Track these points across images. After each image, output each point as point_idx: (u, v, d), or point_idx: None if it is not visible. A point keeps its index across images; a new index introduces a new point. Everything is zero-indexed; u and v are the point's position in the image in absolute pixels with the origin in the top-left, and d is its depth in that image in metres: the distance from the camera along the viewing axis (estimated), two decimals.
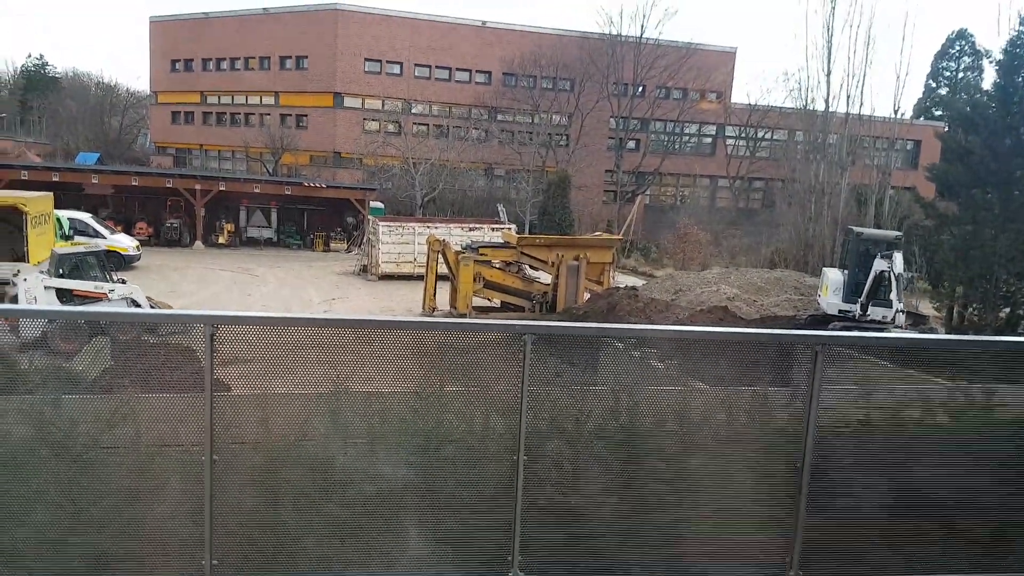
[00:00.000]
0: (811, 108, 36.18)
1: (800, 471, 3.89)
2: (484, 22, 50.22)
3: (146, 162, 54.46)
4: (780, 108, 46.13)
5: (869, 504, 4.02)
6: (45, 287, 16.19)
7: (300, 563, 3.67)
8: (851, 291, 18.54)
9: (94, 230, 27.61)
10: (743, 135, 54.07)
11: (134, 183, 35.67)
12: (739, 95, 55.24)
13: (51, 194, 23.65)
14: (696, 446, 4.06)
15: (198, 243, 35.45)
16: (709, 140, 55.54)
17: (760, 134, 53.43)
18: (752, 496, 4.02)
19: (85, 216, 28.32)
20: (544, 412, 3.95)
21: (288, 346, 3.67)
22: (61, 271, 17.06)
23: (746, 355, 4.21)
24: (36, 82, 76.72)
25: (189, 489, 3.57)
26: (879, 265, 17.92)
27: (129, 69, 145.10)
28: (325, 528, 3.70)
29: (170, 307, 18.66)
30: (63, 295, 16.53)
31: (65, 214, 25.81)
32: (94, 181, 35.16)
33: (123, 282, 18.49)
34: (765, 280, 26.51)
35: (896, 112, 34.54)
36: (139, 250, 28.80)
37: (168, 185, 35.62)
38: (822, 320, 18.98)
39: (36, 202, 21.55)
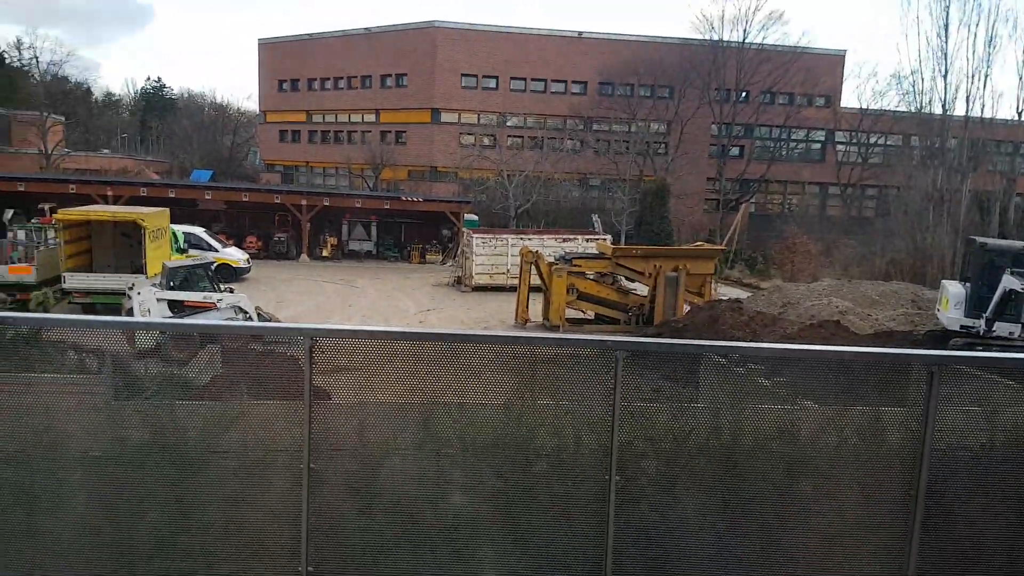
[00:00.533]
0: (927, 112, 34.14)
1: (915, 498, 3.65)
2: (580, 33, 50.23)
3: (256, 179, 57.48)
4: (893, 112, 43.83)
5: (991, 535, 3.71)
6: (157, 299, 16.96)
7: (393, 572, 3.71)
8: (974, 305, 17.25)
9: (207, 244, 29.03)
10: (854, 140, 51.58)
11: (244, 199, 37.54)
12: (849, 99, 52.70)
13: (167, 210, 24.93)
14: (803, 468, 3.87)
15: (304, 256, 36.97)
16: (818, 146, 53.30)
17: (872, 139, 50.84)
18: (862, 523, 3.80)
19: (199, 230, 29.85)
20: (639, 429, 3.85)
21: (383, 358, 3.73)
22: (172, 283, 17.90)
23: (857, 375, 3.97)
24: (154, 104, 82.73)
25: (287, 496, 3.67)
26: (1009, 283, 16.60)
27: (240, 90, 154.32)
28: (417, 538, 3.73)
29: (277, 319, 19.39)
30: (175, 306, 17.36)
31: (180, 228, 27.29)
32: (207, 197, 37.13)
33: (231, 291, 19.23)
34: (879, 293, 25.04)
35: (1020, 114, 32.08)
36: (249, 263, 30.17)
37: (276, 201, 37.32)
38: (941, 336, 17.75)
39: (154, 217, 22.77)
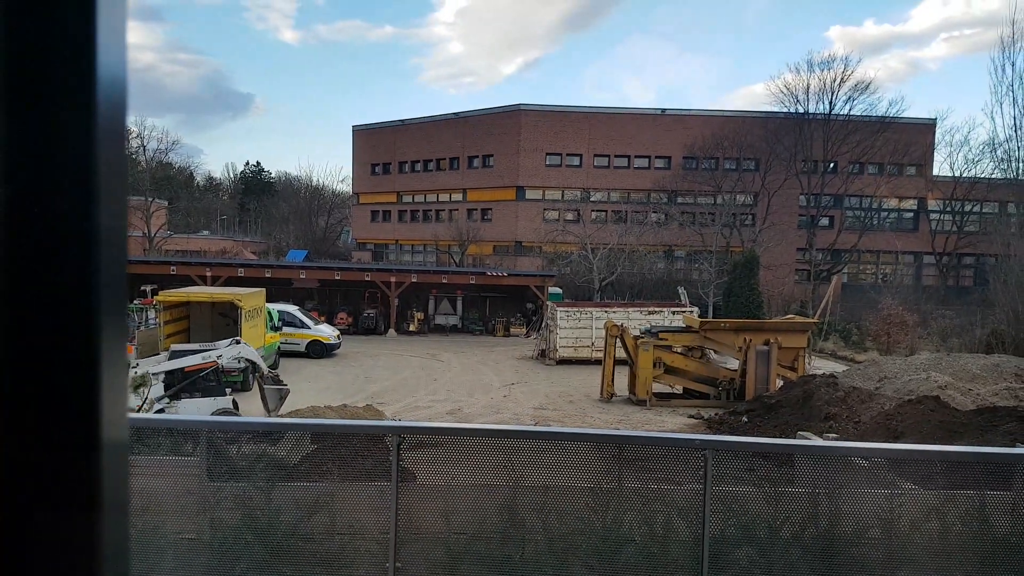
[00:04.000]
0: (1023, 178, 32.55)
1: None
2: (663, 110, 50.93)
3: (348, 257, 59.84)
4: (988, 179, 41.92)
5: None
6: (153, 373, 16.63)
7: None
8: None
9: (300, 321, 29.84)
10: (948, 209, 49.56)
11: (337, 277, 38.83)
12: (941, 167, 50.97)
13: (263, 290, 25.93)
14: (905, 558, 3.59)
15: (391, 331, 37.81)
16: (910, 215, 51.48)
17: (967, 207, 48.67)
18: None
19: (292, 308, 30.74)
20: (731, 519, 3.69)
21: (466, 452, 3.75)
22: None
23: (958, 472, 3.75)
24: (253, 187, 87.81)
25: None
26: None
27: (335, 172, 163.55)
28: None
29: (284, 385, 18.65)
30: (174, 376, 17.11)
31: (276, 307, 28.21)
32: (301, 276, 38.59)
33: (237, 342, 18.82)
34: (981, 367, 23.45)
35: None
36: (339, 339, 30.83)
37: (366, 278, 38.48)
38: None
39: (250, 297, 23.71)
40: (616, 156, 50.32)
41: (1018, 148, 32.51)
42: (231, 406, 17.08)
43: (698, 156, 47.83)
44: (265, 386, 17.71)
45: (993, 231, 39.89)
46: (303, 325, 29.84)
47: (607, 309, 30.81)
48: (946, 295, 43.91)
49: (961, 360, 24.91)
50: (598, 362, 24.47)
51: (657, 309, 31.09)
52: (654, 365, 22.33)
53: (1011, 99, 32.94)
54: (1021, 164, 32.61)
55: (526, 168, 49.73)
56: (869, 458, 4.05)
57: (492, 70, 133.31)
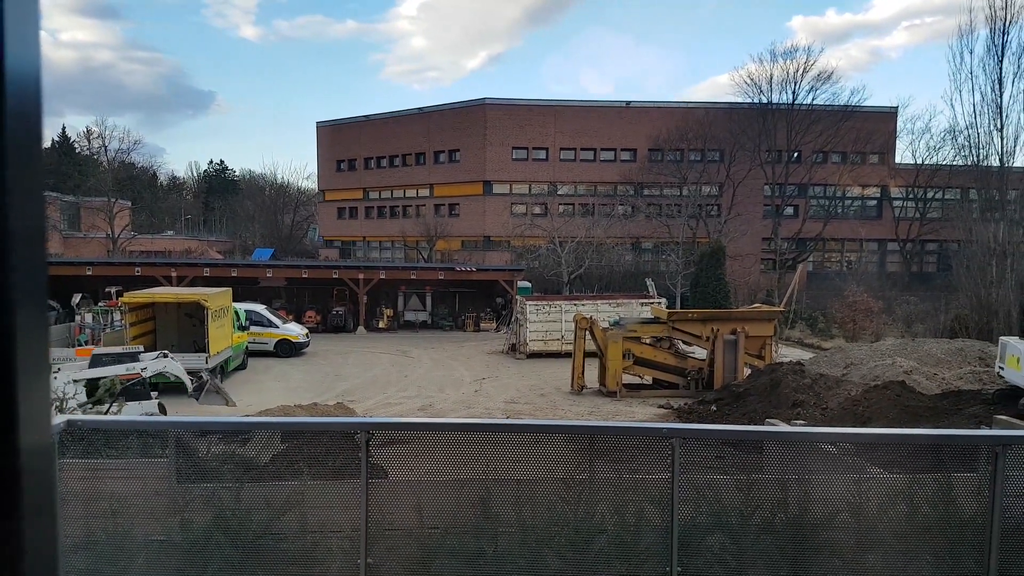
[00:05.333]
0: (984, 165, 33.45)
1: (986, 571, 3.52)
2: (628, 103, 51.20)
3: (315, 255, 59.30)
4: (949, 166, 42.98)
5: None
6: (74, 380, 16.12)
7: None
8: None
9: (267, 320, 29.57)
10: (911, 196, 50.68)
11: (304, 275, 38.55)
12: (903, 155, 52.13)
13: (230, 289, 25.58)
14: (874, 541, 3.68)
15: (360, 328, 37.58)
16: (874, 203, 52.52)
17: (929, 194, 49.83)
18: None
19: (260, 307, 30.42)
20: (702, 506, 3.73)
21: (438, 446, 3.74)
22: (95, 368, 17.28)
23: (924, 455, 3.90)
24: (217, 185, 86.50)
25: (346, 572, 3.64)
26: None
27: (300, 169, 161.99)
28: None
29: (222, 390, 18.37)
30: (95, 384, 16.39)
31: (242, 306, 27.93)
32: (268, 275, 38.17)
33: (165, 355, 18.42)
34: (945, 351, 24.06)
35: None
36: (308, 337, 30.56)
37: (334, 276, 38.16)
38: (1011, 395, 16.85)
39: (216, 297, 23.34)
40: (582, 149, 50.51)
41: (978, 135, 33.29)
42: (157, 410, 16.72)
43: (663, 148, 48.23)
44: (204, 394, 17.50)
45: (955, 217, 40.81)
46: (271, 324, 29.58)
47: (576, 302, 30.94)
48: (910, 281, 44.92)
49: (926, 345, 25.53)
50: (568, 355, 24.58)
51: (625, 301, 31.31)
52: (623, 356, 22.50)
53: (970, 86, 33.74)
54: (981, 151, 33.42)
55: (493, 162, 49.68)
56: (837, 443, 4.13)
57: (456, 65, 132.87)
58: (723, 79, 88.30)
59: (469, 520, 3.76)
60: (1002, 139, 32.31)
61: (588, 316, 24.21)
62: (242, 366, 26.22)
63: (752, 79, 48.76)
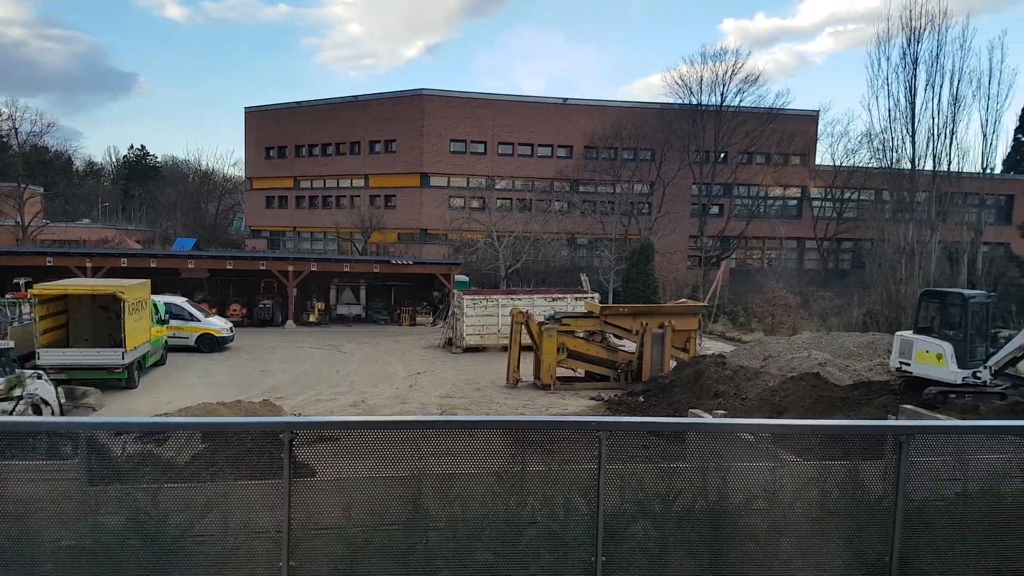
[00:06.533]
0: (896, 168, 35.25)
1: (889, 565, 3.74)
2: (565, 99, 51.66)
3: (241, 245, 57.59)
4: (865, 168, 45.07)
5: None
6: None
7: None
8: (967, 357, 17.33)
9: (189, 314, 28.57)
10: (829, 197, 52.94)
11: (229, 266, 37.22)
12: (823, 157, 54.39)
13: (148, 281, 24.47)
14: (788, 525, 3.87)
15: (290, 322, 36.74)
16: (794, 202, 54.66)
17: (846, 195, 52.16)
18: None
19: (180, 300, 29.35)
20: (628, 494, 3.83)
21: (368, 444, 3.71)
22: None
23: (836, 444, 4.12)
24: (137, 172, 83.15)
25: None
26: None
27: (226, 156, 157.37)
28: None
29: (94, 408, 17.46)
30: None
31: (162, 299, 26.76)
32: (190, 266, 36.78)
33: (39, 376, 16.99)
34: (857, 344, 25.31)
35: (985, 168, 33.25)
36: (232, 331, 29.69)
37: (261, 267, 37.16)
38: (916, 385, 17.81)
39: (133, 289, 22.29)
40: (520, 144, 50.72)
41: (891, 139, 35.00)
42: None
43: (598, 146, 48.92)
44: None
45: (869, 217, 42.85)
46: (192, 318, 28.66)
47: (513, 296, 31.11)
48: (826, 278, 46.92)
49: (839, 338, 26.75)
50: (505, 349, 24.71)
51: (561, 296, 31.67)
52: (558, 350, 22.78)
53: (886, 92, 35.27)
54: (894, 154, 35.18)
55: (430, 154, 49.33)
56: (755, 433, 4.27)
57: (393, 53, 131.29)
58: (656, 79, 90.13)
59: (399, 517, 3.75)
60: (913, 144, 34.07)
61: (524, 310, 24.41)
62: (161, 362, 25.30)
63: (683, 80, 50.00)
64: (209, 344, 28.34)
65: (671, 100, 50.51)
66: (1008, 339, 17.85)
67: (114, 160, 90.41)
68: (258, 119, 57.64)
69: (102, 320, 22.97)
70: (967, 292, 19.31)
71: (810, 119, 53.27)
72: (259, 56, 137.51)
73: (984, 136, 32.90)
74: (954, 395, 17.10)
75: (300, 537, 3.60)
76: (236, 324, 31.92)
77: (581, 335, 23.47)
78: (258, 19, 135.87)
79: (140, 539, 3.56)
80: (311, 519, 3.65)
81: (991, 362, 17.14)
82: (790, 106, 50.95)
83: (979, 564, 3.78)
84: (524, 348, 23.33)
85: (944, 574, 3.78)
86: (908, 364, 18.18)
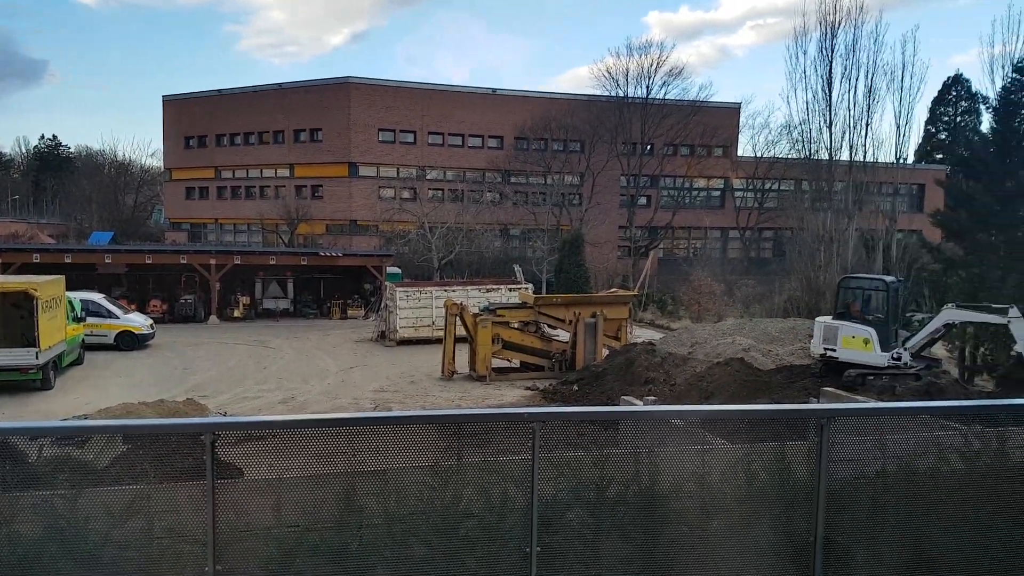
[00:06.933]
0: (815, 158, 36.61)
1: (813, 545, 3.88)
2: (494, 90, 51.58)
3: (161, 238, 55.48)
4: (785, 159, 46.67)
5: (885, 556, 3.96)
6: None
7: None
8: (888, 340, 18.12)
9: (107, 311, 27.47)
10: (750, 187, 54.67)
11: (148, 261, 35.96)
12: (745, 148, 56.09)
13: (62, 277, 23.38)
14: (717, 507, 3.99)
15: (213, 318, 35.61)
16: (718, 193, 56.21)
17: (767, 185, 53.96)
18: (770, 572, 3.96)
19: (97, 296, 28.19)
20: (562, 483, 3.87)
21: (298, 443, 3.64)
22: None
23: (762, 426, 4.26)
24: (49, 163, 79.01)
25: None
26: (954, 316, 17.62)
27: (144, 146, 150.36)
28: None
29: None
30: None
31: (78, 295, 25.59)
32: (107, 261, 35.38)
33: None
34: (779, 329, 26.34)
35: (898, 159, 34.84)
36: (153, 328, 28.67)
37: (182, 261, 35.90)
38: (836, 368, 18.53)
39: (47, 286, 21.22)
40: (450, 135, 50.41)
41: (809, 131, 36.33)
42: None
43: (528, 137, 49.09)
44: None
45: (789, 207, 44.49)
46: (111, 315, 27.57)
47: (447, 288, 30.94)
48: (749, 266, 48.55)
49: (762, 324, 27.76)
50: (439, 341, 24.61)
51: (495, 287, 31.70)
52: (493, 341, 22.85)
53: (804, 85, 36.58)
54: (812, 145, 36.54)
55: (358, 144, 48.48)
56: (685, 419, 4.37)
57: (318, 41, 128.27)
58: (583, 71, 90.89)
59: (331, 515, 3.69)
60: (831, 135, 35.45)
61: (458, 302, 24.37)
62: (78, 361, 24.19)
63: (610, 73, 50.64)
64: (129, 342, 27.32)
65: (599, 92, 51.19)
66: (922, 322, 18.83)
67: (24, 151, 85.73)
68: (177, 108, 55.43)
69: (14, 319, 21.74)
70: (888, 278, 20.26)
71: (732, 112, 54.80)
72: (178, 43, 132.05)
73: (897, 127, 34.35)
74: (872, 377, 17.87)
75: (228, 540, 3.50)
76: (157, 320, 30.93)
77: (515, 326, 23.59)
78: (177, 4, 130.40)
79: (58, 547, 3.39)
80: (240, 521, 3.55)
81: (910, 344, 17.98)
82: (713, 99, 52.41)
83: (899, 540, 3.95)
84: (459, 340, 23.29)
85: (866, 551, 3.95)
86: (834, 350, 18.59)
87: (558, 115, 48.14)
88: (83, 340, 24.83)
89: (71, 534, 3.41)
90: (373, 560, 3.65)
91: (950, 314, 17.78)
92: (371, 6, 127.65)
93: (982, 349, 21.84)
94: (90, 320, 25.85)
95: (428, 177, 48.89)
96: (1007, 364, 19.48)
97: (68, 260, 33.23)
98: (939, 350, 22.60)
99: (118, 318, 27.70)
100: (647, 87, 49.90)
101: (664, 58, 50.37)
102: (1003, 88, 23.33)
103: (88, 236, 53.30)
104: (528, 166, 48.67)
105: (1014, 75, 23.09)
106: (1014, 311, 16.37)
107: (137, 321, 28.38)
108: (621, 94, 50.03)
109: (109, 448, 3.60)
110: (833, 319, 19.24)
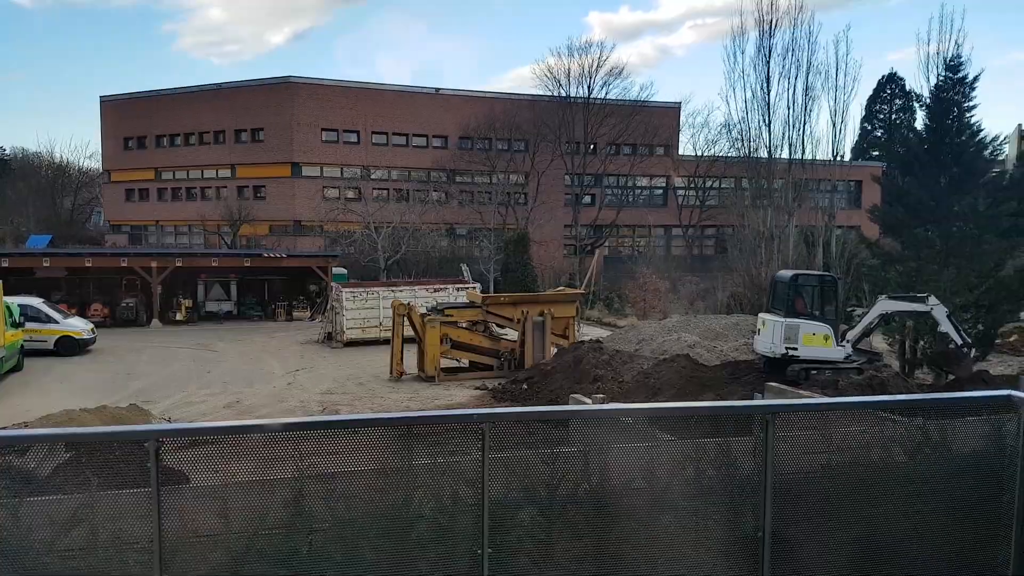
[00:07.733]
0: (754, 157, 37.38)
1: (762, 540, 3.94)
2: (438, 89, 51.35)
3: (100, 241, 53.73)
4: (725, 158, 47.59)
5: (834, 571, 4.04)
6: None
7: None
8: (841, 336, 18.62)
9: (46, 315, 26.68)
10: (692, 185, 55.69)
11: (88, 264, 35.05)
12: (686, 147, 57.15)
13: (0, 282, 22.86)
14: (666, 503, 4.04)
15: (155, 321, 34.71)
16: (660, 192, 57.12)
17: (708, 184, 55.02)
18: (720, 566, 4.03)
19: (36, 301, 27.33)
20: (513, 483, 3.90)
21: (246, 448, 3.60)
22: None
23: (709, 423, 4.34)
24: None
25: None
26: (888, 306, 18.34)
27: (81, 148, 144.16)
28: None
29: None
30: None
31: (15, 300, 24.87)
32: (45, 264, 34.46)
33: None
34: (723, 326, 26.88)
35: (836, 156, 35.76)
36: (94, 332, 27.95)
37: (123, 264, 35.01)
38: (780, 364, 18.81)
39: None
40: (394, 134, 50.01)
41: (749, 129, 37.07)
42: None
43: (473, 136, 49.04)
44: None
45: (730, 204, 45.41)
46: (50, 319, 26.74)
47: (394, 288, 30.69)
48: (692, 263, 49.45)
49: (706, 321, 28.35)
50: (387, 342, 24.40)
51: (442, 286, 31.58)
52: (441, 341, 22.76)
53: (743, 84, 37.42)
54: (752, 144, 37.29)
55: (301, 143, 47.68)
56: (634, 417, 4.44)
57: (259, 39, 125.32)
58: (526, 72, 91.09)
59: (280, 520, 3.67)
60: (770, 133, 36.33)
61: (406, 302, 24.22)
62: (18, 367, 23.40)
63: (551, 73, 50.88)
64: (69, 347, 26.49)
65: (541, 92, 51.42)
66: (862, 317, 19.52)
67: None
68: (115, 108, 53.65)
69: None
70: (827, 275, 20.88)
71: (672, 111, 55.73)
72: (114, 43, 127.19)
73: (834, 125, 35.09)
74: (815, 371, 18.36)
75: (175, 547, 3.45)
76: (98, 325, 30.19)
77: (464, 325, 23.56)
78: (112, 2, 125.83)
79: (0, 558, 3.30)
80: (187, 527, 3.51)
81: (850, 335, 18.59)
82: (654, 98, 53.18)
83: (845, 533, 4.06)
84: (407, 340, 23.15)
85: (814, 544, 4.05)
86: (796, 349, 18.46)
87: (502, 115, 48.19)
88: (22, 346, 24.05)
89: (13, 544, 3.33)
90: (323, 564, 3.64)
91: (884, 304, 18.51)
92: (314, 4, 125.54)
93: (921, 342, 22.67)
94: (29, 325, 25.09)
95: (373, 177, 48.38)
96: (934, 345, 20.41)
97: (5, 264, 32.25)
98: (880, 344, 23.44)
99: (58, 323, 26.91)
100: (589, 87, 50.39)
101: (605, 58, 50.96)
102: (935, 87, 24.16)
103: (25, 240, 51.44)
104: (473, 165, 48.63)
105: (947, 73, 23.92)
106: (932, 299, 18.16)
107: (78, 326, 27.66)
108: (563, 94, 50.36)
109: (51, 456, 3.52)
110: (771, 315, 19.28)
